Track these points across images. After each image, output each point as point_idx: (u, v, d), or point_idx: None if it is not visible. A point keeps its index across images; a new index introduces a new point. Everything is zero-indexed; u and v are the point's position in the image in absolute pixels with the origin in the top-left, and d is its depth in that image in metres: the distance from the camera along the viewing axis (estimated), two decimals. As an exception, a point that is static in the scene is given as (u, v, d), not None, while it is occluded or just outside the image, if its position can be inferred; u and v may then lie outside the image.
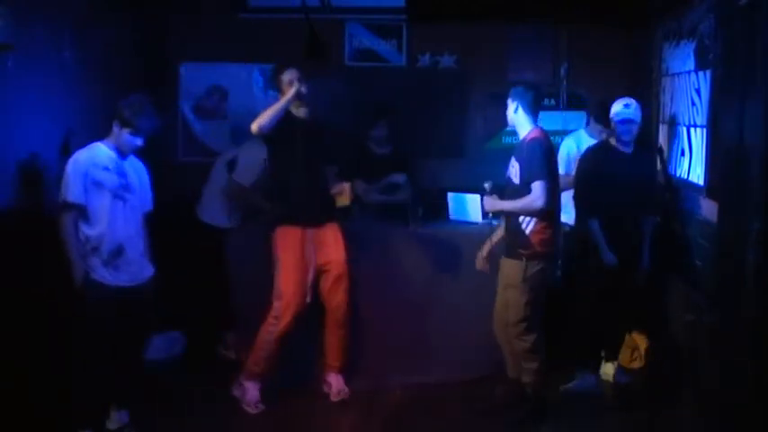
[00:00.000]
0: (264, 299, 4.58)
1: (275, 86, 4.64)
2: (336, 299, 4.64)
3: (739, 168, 3.88)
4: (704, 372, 4.30)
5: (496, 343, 4.90)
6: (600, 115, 5.18)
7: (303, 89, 4.48)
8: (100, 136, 4.02)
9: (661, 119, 5.51)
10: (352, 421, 4.53)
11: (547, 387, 4.48)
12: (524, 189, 4.26)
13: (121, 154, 3.97)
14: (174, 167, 6.13)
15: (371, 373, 4.88)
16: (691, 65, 4.88)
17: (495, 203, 4.43)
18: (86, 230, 3.87)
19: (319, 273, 4.62)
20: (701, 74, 4.69)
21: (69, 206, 3.83)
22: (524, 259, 4.28)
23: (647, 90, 5.78)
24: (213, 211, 5.32)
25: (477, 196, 5.15)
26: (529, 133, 4.34)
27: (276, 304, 4.48)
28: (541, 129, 4.40)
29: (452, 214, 5.33)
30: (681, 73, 5.08)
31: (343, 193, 4.62)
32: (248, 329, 4.76)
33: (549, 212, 4.27)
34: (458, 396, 4.78)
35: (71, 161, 3.89)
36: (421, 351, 4.97)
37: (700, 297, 4.45)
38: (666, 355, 4.97)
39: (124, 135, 3.92)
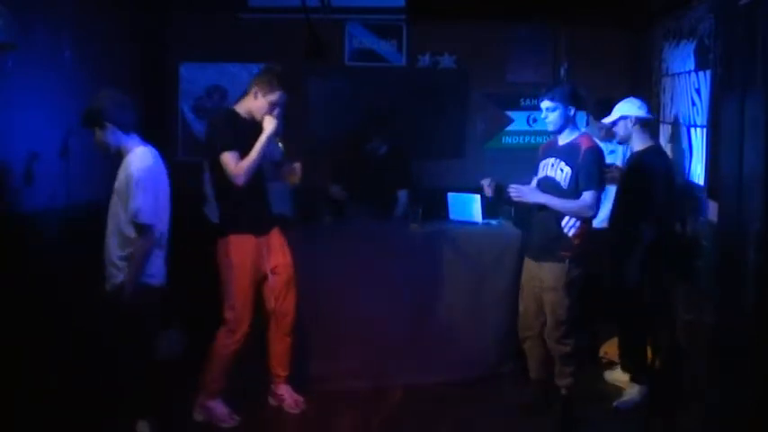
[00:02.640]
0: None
1: (256, 84, 4.31)
2: (286, 304, 4.50)
3: (739, 168, 3.87)
4: (704, 372, 4.30)
5: (496, 342, 4.92)
6: (600, 114, 5.18)
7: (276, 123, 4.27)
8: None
9: (661, 119, 5.51)
10: (352, 421, 4.53)
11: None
12: (572, 195, 4.22)
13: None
14: (173, 167, 6.12)
15: (371, 373, 4.88)
16: (691, 65, 4.88)
17: (538, 195, 4.28)
18: None
19: (265, 278, 4.44)
20: (701, 74, 4.69)
21: None
22: (567, 261, 4.22)
23: (647, 90, 5.78)
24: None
25: (477, 196, 5.16)
26: (579, 138, 4.28)
27: (229, 316, 4.33)
28: (590, 135, 4.40)
29: (452, 214, 5.33)
30: (681, 73, 5.08)
31: (294, 173, 4.44)
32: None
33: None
34: (458, 396, 4.78)
35: None
36: (421, 351, 4.97)
37: (700, 297, 4.45)
38: (666, 355, 4.96)
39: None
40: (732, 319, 3.88)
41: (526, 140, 6.26)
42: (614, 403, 4.64)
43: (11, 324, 3.96)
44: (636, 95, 4.99)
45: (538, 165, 4.49)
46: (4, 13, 3.93)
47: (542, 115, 4.36)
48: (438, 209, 5.35)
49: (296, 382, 4.72)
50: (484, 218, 5.18)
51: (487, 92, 6.32)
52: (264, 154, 4.26)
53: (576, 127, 4.35)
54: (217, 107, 6.13)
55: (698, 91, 4.72)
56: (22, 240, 4.14)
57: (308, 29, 5.70)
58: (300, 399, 4.60)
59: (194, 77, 6.21)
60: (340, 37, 6.23)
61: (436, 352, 4.96)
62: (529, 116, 6.29)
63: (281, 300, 4.50)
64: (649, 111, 4.83)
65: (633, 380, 4.72)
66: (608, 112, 4.94)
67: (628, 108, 4.74)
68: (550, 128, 4.34)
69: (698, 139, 4.73)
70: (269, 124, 4.25)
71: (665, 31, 5.46)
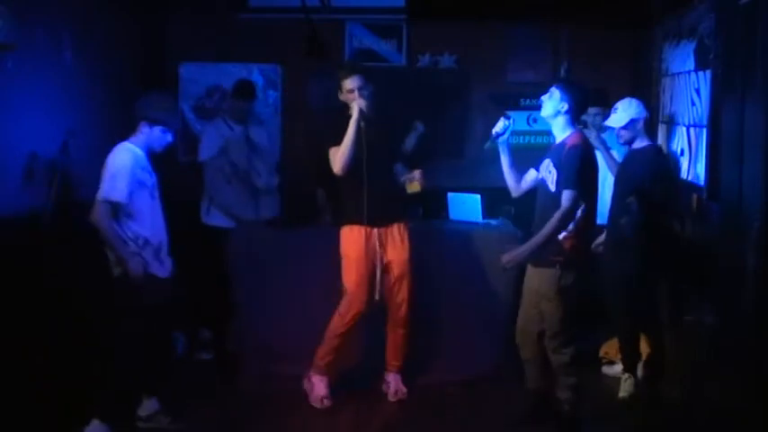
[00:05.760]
0: (264, 298, 4.62)
1: (339, 79, 4.53)
2: (397, 298, 4.62)
3: (739, 168, 3.88)
4: (704, 372, 4.30)
5: (498, 343, 4.91)
6: (595, 103, 5.10)
7: (362, 104, 4.39)
8: (100, 135, 4.03)
9: (661, 119, 5.52)
10: (353, 421, 4.53)
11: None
12: (559, 198, 3.96)
13: (149, 153, 4.04)
14: (173, 168, 6.13)
15: (377, 373, 4.88)
16: (691, 65, 4.88)
17: (522, 250, 4.00)
18: (135, 228, 3.94)
19: (384, 272, 4.60)
20: (700, 73, 4.69)
21: (107, 203, 3.85)
22: (558, 267, 3.96)
23: (647, 90, 5.79)
24: (209, 211, 5.31)
25: (478, 196, 5.16)
26: (569, 137, 4.03)
27: (342, 301, 4.54)
28: (581, 133, 4.14)
29: (452, 214, 5.32)
30: (681, 73, 5.08)
31: (414, 181, 4.55)
32: (250, 329, 4.79)
33: (584, 218, 4.00)
34: (458, 396, 4.78)
35: (118, 161, 3.87)
36: (421, 351, 4.96)
37: (700, 297, 4.45)
38: (666, 355, 4.97)
39: (156, 132, 3.99)
40: (732, 319, 3.89)
41: (526, 140, 6.26)
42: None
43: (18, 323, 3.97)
44: (636, 95, 5.00)
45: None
46: (4, 13, 3.94)
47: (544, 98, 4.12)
48: (438, 208, 5.35)
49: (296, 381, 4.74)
50: (484, 217, 5.18)
51: (487, 92, 6.32)
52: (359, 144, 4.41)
53: (569, 125, 4.07)
54: (217, 107, 6.13)
55: (698, 91, 4.73)
56: (21, 240, 4.14)
57: (308, 29, 5.70)
58: (403, 390, 4.71)
59: (194, 77, 6.21)
60: (340, 37, 6.24)
61: (436, 352, 4.96)
62: (529, 116, 6.30)
63: (394, 294, 4.61)
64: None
65: (626, 370, 4.76)
66: (602, 101, 4.94)
67: (635, 110, 4.66)
68: (543, 112, 4.10)
69: (698, 139, 4.73)
70: (354, 110, 4.42)
71: (665, 30, 5.47)
